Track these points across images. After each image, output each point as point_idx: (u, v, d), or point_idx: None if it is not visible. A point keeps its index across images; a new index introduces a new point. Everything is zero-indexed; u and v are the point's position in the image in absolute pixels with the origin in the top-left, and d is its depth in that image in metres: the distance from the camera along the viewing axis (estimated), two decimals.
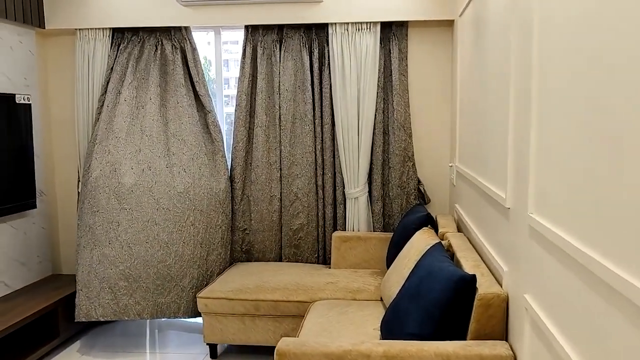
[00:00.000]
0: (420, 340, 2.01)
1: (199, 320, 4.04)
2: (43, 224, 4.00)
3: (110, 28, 3.87)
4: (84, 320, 3.45)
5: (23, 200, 3.64)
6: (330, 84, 3.85)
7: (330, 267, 3.79)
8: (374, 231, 3.91)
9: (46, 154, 4.08)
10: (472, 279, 2.01)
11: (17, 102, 3.57)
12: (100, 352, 3.54)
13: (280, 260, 4.01)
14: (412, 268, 2.63)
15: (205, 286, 3.50)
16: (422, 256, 2.45)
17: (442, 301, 2.00)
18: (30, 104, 3.69)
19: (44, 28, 3.90)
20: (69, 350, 3.57)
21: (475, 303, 1.97)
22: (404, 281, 2.66)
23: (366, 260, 3.75)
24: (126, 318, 3.49)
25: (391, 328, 2.27)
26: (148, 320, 4.06)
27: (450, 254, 2.64)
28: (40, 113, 3.99)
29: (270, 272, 3.63)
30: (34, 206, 3.76)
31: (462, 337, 2.05)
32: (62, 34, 4.06)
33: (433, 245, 2.51)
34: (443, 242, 2.75)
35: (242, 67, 3.89)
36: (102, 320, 3.49)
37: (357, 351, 1.89)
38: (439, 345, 1.92)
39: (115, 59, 3.87)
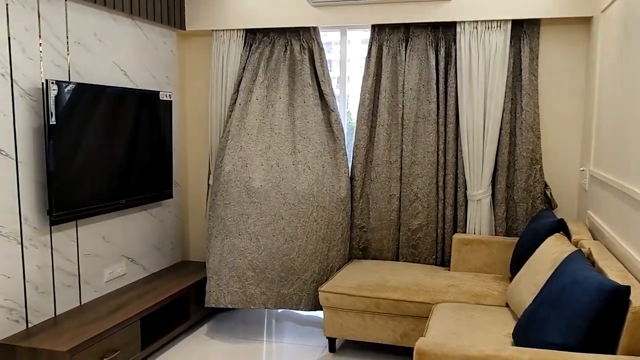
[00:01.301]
0: (564, 350, 1.94)
1: (316, 313, 4.14)
2: (176, 213, 4.28)
3: (244, 29, 4.06)
4: (213, 305, 3.65)
5: (161, 190, 3.92)
6: (456, 83, 3.79)
7: (449, 270, 3.74)
8: (495, 235, 3.80)
9: (181, 147, 4.37)
10: (626, 290, 1.90)
11: (160, 99, 3.85)
12: (225, 336, 3.73)
13: (396, 259, 4.01)
14: (547, 275, 2.53)
15: (326, 281, 3.58)
16: (562, 263, 2.36)
17: (592, 312, 1.91)
18: (171, 101, 3.96)
19: (185, 30, 4.17)
20: (198, 333, 3.80)
21: (628, 316, 1.86)
22: (536, 288, 2.57)
23: (488, 264, 3.66)
24: (252, 307, 3.65)
25: (527, 335, 2.21)
26: (266, 310, 4.22)
27: (591, 262, 2.52)
28: (177, 109, 4.28)
29: (388, 270, 3.65)
30: (170, 196, 4.03)
31: (611, 351, 1.95)
32: (200, 35, 4.32)
33: (573, 253, 2.41)
34: (583, 249, 2.63)
35: (367, 66, 3.93)
36: (231, 307, 3.68)
37: (501, 357, 1.85)
38: (587, 357, 1.84)
39: (247, 58, 4.05)
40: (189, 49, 4.39)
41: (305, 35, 3.99)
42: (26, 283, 2.92)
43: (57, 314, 3.14)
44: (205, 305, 3.69)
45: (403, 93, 3.88)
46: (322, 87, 3.95)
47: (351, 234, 4.04)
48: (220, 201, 3.72)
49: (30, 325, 2.96)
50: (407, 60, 3.86)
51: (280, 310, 4.22)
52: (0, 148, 2.75)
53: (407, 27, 3.89)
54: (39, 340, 2.78)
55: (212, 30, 4.12)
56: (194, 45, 4.37)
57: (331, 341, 3.52)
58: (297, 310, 3.73)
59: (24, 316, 2.92)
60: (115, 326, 3.01)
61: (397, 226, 3.98)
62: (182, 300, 3.74)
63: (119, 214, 3.63)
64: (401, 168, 3.94)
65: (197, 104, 4.41)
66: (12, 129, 2.82)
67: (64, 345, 2.72)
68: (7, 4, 2.77)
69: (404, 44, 3.88)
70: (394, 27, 3.89)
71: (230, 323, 3.97)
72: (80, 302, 3.32)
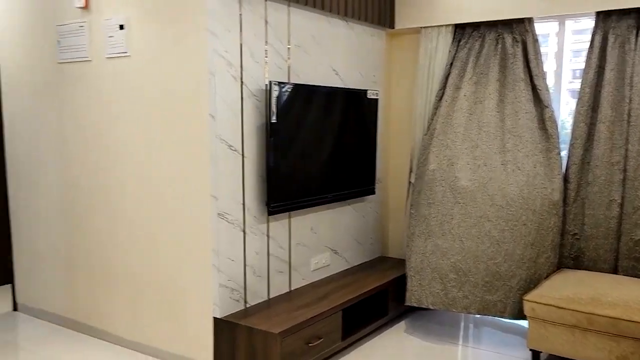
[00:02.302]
0: None
1: (519, 322, 3.92)
2: (377, 209, 4.36)
3: (452, 24, 3.96)
4: (414, 305, 3.65)
5: (365, 187, 4.01)
6: None
7: None
8: None
9: (384, 145, 4.43)
10: None
11: (368, 97, 3.93)
12: (422, 335, 3.70)
13: (614, 272, 3.61)
14: None
15: (533, 289, 3.36)
16: None
17: None
18: (377, 99, 4.02)
19: (393, 28, 4.21)
20: (396, 329, 3.83)
21: None
22: None
23: None
24: (454, 310, 3.57)
25: None
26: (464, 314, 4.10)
27: None
28: (382, 107, 4.34)
29: (605, 284, 3.29)
30: (373, 192, 4.11)
31: None
32: (407, 33, 4.33)
33: None
34: None
35: (589, 58, 3.57)
36: (432, 308, 3.64)
37: None
38: None
39: (455, 54, 3.95)
40: (396, 47, 4.42)
41: (519, 28, 3.75)
42: (246, 267, 3.19)
43: (270, 297, 3.39)
44: (406, 304, 3.70)
45: (631, 86, 3.45)
46: (536, 82, 3.69)
47: (562, 240, 3.73)
48: (423, 200, 3.69)
49: (247, 305, 3.23)
50: (637, 50, 3.43)
51: (478, 315, 4.07)
52: (230, 144, 3.03)
53: (638, 12, 3.45)
54: (255, 320, 3.03)
55: (420, 27, 4.09)
56: (401, 43, 4.39)
57: (535, 354, 3.29)
58: (502, 318, 3.56)
59: (243, 297, 3.20)
60: (320, 314, 3.16)
61: (616, 235, 3.58)
62: (381, 295, 3.80)
63: (326, 208, 3.80)
64: (625, 170, 3.52)
65: (401, 101, 4.43)
66: (240, 126, 3.09)
67: (276, 327, 2.92)
68: (240, 14, 3.03)
69: (634, 31, 3.45)
70: (624, 12, 3.48)
71: (427, 322, 3.94)
72: (290, 288, 3.55)
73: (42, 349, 3.52)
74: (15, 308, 4.23)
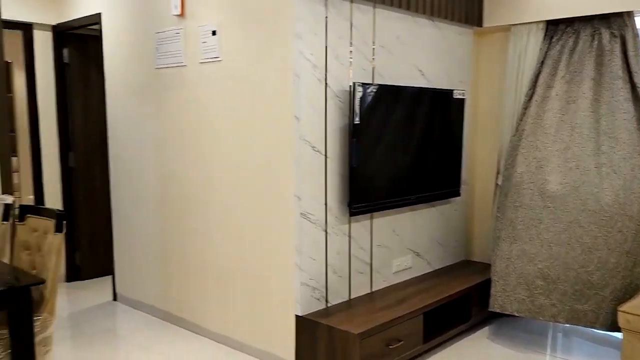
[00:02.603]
0: None
1: (613, 334, 3.70)
2: (462, 212, 4.28)
3: (544, 21, 3.80)
4: (498, 311, 3.55)
5: (449, 188, 3.94)
6: None
7: None
8: None
9: (470, 146, 4.33)
10: None
11: (454, 97, 3.86)
12: (506, 343, 3.59)
13: None
14: None
15: (629, 300, 3.16)
16: None
17: None
18: (463, 99, 3.94)
19: (481, 27, 4.11)
20: (478, 335, 3.74)
21: None
22: None
23: None
24: (540, 318, 3.44)
25: None
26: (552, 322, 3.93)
27: None
28: (469, 107, 4.25)
29: None
30: (458, 194, 4.04)
31: None
32: (496, 31, 4.21)
33: None
34: None
35: None
36: (516, 315, 3.52)
37: None
38: None
39: (546, 52, 3.79)
40: (484, 46, 4.31)
41: (617, 22, 3.54)
42: (327, 266, 3.24)
43: (350, 298, 3.42)
44: (489, 309, 3.61)
45: None
46: (635, 80, 3.47)
47: None
48: (510, 203, 3.58)
49: (328, 304, 3.28)
50: None
51: (567, 324, 3.89)
52: (314, 145, 3.09)
53: None
54: (335, 319, 3.07)
55: (510, 24, 3.96)
56: (490, 41, 4.27)
57: None
58: (593, 329, 3.39)
59: (324, 296, 3.25)
60: (400, 317, 3.15)
61: None
62: (464, 300, 3.72)
63: (409, 209, 3.77)
64: None
65: (488, 101, 4.32)
66: (324, 127, 3.14)
67: (356, 328, 2.94)
68: (326, 17, 3.09)
69: None
70: None
71: (512, 330, 3.81)
72: (371, 289, 3.56)
73: (137, 338, 3.75)
74: (115, 298, 4.54)
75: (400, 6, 3.46)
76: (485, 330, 3.82)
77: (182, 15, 3.61)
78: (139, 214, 4.16)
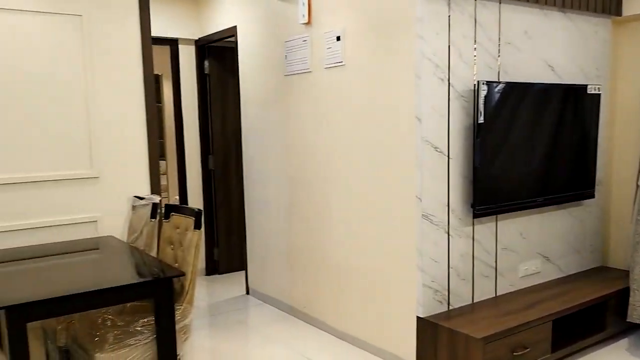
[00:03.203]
0: None
1: None
2: (598, 215, 4.00)
3: None
4: (636, 322, 3.28)
5: (582, 190, 3.71)
6: None
7: None
8: None
9: (607, 144, 4.04)
10: None
11: (588, 92, 3.63)
12: None
13: None
14: None
15: None
16: None
17: None
18: (599, 94, 3.69)
19: (620, 16, 3.82)
20: (615, 347, 3.47)
21: None
22: None
23: None
24: None
25: None
26: None
27: None
28: (606, 102, 3.97)
29: None
30: (592, 196, 3.78)
31: None
32: (638, 19, 3.89)
33: None
34: None
35: None
36: None
37: None
38: None
39: None
40: (623, 37, 3.99)
41: None
42: (450, 269, 3.21)
43: (474, 301, 3.35)
44: (627, 320, 3.34)
45: None
46: None
47: None
48: None
49: (451, 307, 3.24)
50: None
51: None
52: (436, 145, 3.08)
53: None
54: (458, 322, 3.02)
55: None
56: (630, 31, 3.95)
57: None
58: None
59: (447, 298, 3.22)
60: (527, 323, 3.03)
61: None
62: (598, 308, 3.48)
63: (537, 212, 3.61)
64: None
65: (628, 96, 3.99)
66: (446, 128, 3.11)
67: (479, 332, 2.88)
68: (449, 16, 3.06)
69: None
70: None
71: None
72: (496, 294, 3.46)
73: (266, 330, 3.98)
74: (247, 292, 4.83)
75: (527, 0, 3.33)
76: (623, 342, 3.53)
77: (309, 23, 3.77)
78: (269, 213, 4.41)
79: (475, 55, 3.20)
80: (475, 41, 3.19)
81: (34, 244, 3.27)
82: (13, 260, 2.86)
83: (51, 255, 2.95)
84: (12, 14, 3.14)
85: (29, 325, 2.25)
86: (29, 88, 3.22)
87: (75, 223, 3.39)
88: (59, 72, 3.31)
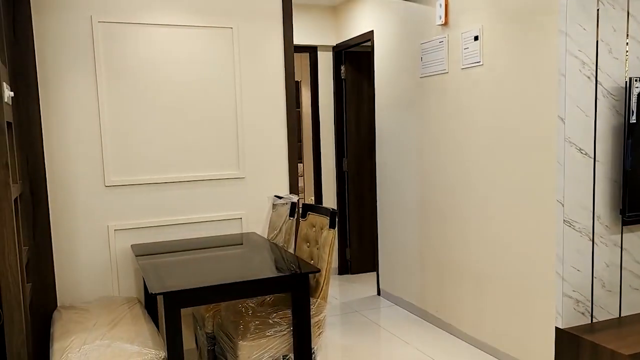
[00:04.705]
0: None
1: None
2: None
3: None
4: None
5: None
6: None
7: None
8: None
9: None
10: None
11: None
12: None
13: None
14: None
15: None
16: None
17: None
18: None
19: None
20: None
21: None
22: None
23: None
24: None
25: None
26: None
27: None
28: None
29: None
30: None
31: None
32: None
33: None
34: None
35: None
36: None
37: None
38: None
39: None
40: None
41: None
42: (594, 279, 3.00)
43: (621, 315, 3.10)
44: None
45: None
46: None
47: None
48: None
49: (594, 320, 3.03)
50: None
51: None
52: (581, 147, 2.91)
53: None
54: (602, 336, 2.82)
55: None
56: None
57: None
58: None
59: (589, 310, 3.01)
60: None
61: None
62: None
63: None
64: None
65: None
66: (593, 128, 2.92)
67: (626, 349, 2.66)
68: (597, 9, 2.88)
69: None
70: None
71: None
72: None
73: (397, 332, 3.99)
74: (378, 293, 4.89)
75: None
76: None
77: (445, 24, 3.74)
78: (401, 216, 4.42)
79: (627, 51, 2.97)
80: (627, 35, 2.96)
81: (188, 237, 3.59)
82: (169, 252, 3.17)
83: (201, 249, 3.23)
84: (172, 28, 3.49)
85: (182, 311, 2.47)
86: (187, 96, 3.55)
87: (223, 219, 3.67)
88: (212, 81, 3.61)
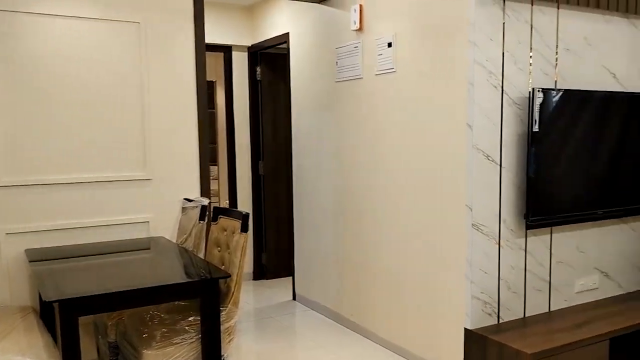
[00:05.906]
0: None
1: None
2: None
3: None
4: None
5: None
6: None
7: None
8: None
9: None
10: None
11: None
12: None
13: None
14: None
15: None
16: None
17: None
18: None
19: None
20: None
21: None
22: None
23: None
24: None
25: None
26: None
27: None
28: None
29: None
30: None
31: None
32: None
33: None
34: None
35: None
36: None
37: None
38: None
39: None
40: None
41: None
42: (500, 281, 3.11)
43: (525, 316, 3.23)
44: None
45: None
46: None
47: None
48: None
49: (501, 320, 3.14)
50: None
51: None
52: (487, 154, 3.00)
53: None
54: (507, 336, 2.92)
55: None
56: None
57: None
58: None
59: (496, 311, 3.11)
60: (581, 340, 2.89)
61: None
62: None
63: (594, 225, 3.45)
64: None
65: None
66: (499, 136, 3.03)
67: (529, 348, 2.77)
68: (503, 22, 2.99)
69: None
70: None
71: None
72: (549, 309, 3.33)
73: (312, 336, 3.96)
74: (294, 297, 4.84)
75: (588, 5, 3.22)
76: None
77: (360, 29, 3.77)
78: (317, 219, 4.40)
79: (531, 62, 3.11)
80: (531, 48, 3.10)
81: (89, 242, 3.37)
82: (68, 257, 2.96)
83: (104, 254, 3.04)
84: (72, 20, 3.28)
85: (81, 319, 2.31)
86: (88, 93, 3.34)
87: (128, 223, 3.48)
88: (117, 78, 3.42)
